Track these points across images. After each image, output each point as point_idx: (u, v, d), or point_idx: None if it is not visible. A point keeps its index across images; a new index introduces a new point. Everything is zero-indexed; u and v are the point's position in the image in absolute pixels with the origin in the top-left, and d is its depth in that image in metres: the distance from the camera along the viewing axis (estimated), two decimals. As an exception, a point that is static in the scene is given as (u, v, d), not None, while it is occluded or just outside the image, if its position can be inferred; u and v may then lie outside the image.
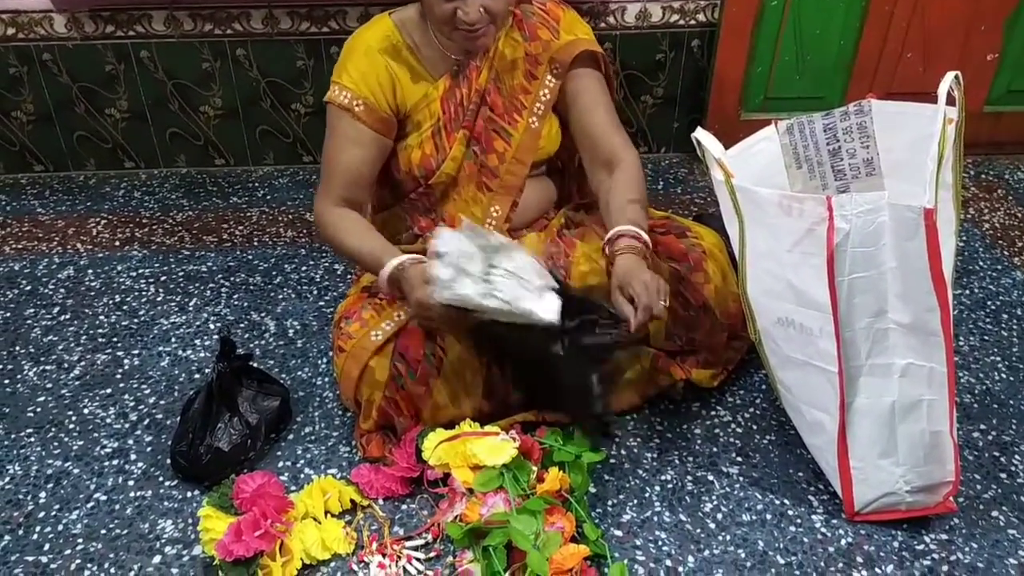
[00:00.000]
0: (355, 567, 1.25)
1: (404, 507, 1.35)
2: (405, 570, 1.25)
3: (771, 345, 1.32)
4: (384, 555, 1.26)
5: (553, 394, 1.37)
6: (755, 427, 1.50)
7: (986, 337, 1.71)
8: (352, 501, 1.35)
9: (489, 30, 1.36)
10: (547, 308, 1.24)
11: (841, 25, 2.17)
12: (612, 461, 1.42)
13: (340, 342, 1.42)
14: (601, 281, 1.38)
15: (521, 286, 1.24)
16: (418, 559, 1.27)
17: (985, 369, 1.63)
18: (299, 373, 1.63)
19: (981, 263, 1.95)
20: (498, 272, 1.25)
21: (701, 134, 1.31)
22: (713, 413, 1.53)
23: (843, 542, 1.28)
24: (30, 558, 1.26)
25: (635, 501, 1.36)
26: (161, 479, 1.40)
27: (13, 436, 1.48)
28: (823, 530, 1.31)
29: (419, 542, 1.30)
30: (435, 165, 1.45)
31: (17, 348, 1.68)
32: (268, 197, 2.22)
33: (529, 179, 1.51)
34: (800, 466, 1.41)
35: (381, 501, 1.36)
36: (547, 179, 1.59)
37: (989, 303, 1.82)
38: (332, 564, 1.26)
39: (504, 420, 1.41)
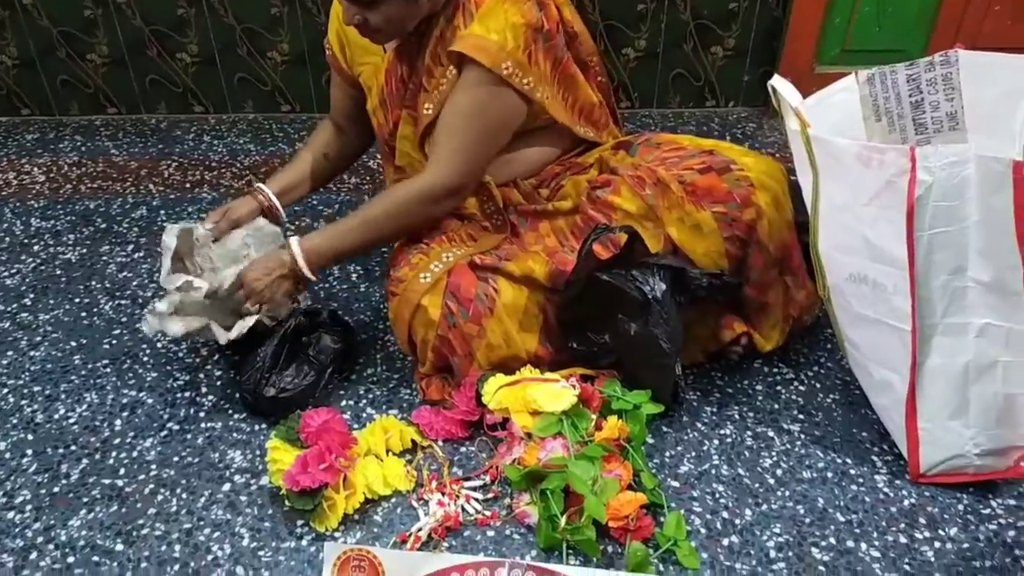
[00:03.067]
0: (415, 504, 1.28)
1: (463, 449, 1.37)
2: (463, 509, 1.27)
3: (841, 302, 1.30)
4: (443, 494, 1.29)
5: (630, 357, 1.37)
6: (818, 385, 1.48)
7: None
8: (413, 441, 1.38)
9: (376, 37, 1.35)
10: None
11: (927, -26, 2.07)
12: (671, 413, 1.41)
13: (391, 288, 1.44)
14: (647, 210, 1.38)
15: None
16: (476, 499, 1.29)
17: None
18: (361, 316, 1.66)
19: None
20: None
21: (778, 82, 1.27)
22: (775, 370, 1.51)
23: (906, 503, 1.27)
24: (106, 481, 1.32)
25: (693, 453, 1.36)
26: (230, 412, 1.44)
27: (90, 366, 1.54)
28: (886, 490, 1.29)
29: (477, 483, 1.32)
30: (386, 136, 1.49)
31: (93, 283, 1.75)
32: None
33: (522, 135, 1.45)
34: (864, 426, 1.39)
35: (441, 442, 1.38)
36: (543, 132, 1.50)
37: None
38: (393, 500, 1.29)
39: (565, 370, 1.42)
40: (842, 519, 1.25)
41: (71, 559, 1.20)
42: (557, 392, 1.34)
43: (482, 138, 1.38)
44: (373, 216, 1.41)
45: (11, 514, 1.27)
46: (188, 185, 2.06)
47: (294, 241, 1.40)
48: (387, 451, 1.36)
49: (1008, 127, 1.29)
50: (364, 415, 1.44)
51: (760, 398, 1.46)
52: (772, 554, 1.20)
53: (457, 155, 1.37)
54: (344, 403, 1.47)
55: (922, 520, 1.24)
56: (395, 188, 1.43)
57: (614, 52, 2.25)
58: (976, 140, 1.32)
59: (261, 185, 1.56)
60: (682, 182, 1.38)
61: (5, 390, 1.49)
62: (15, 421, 1.43)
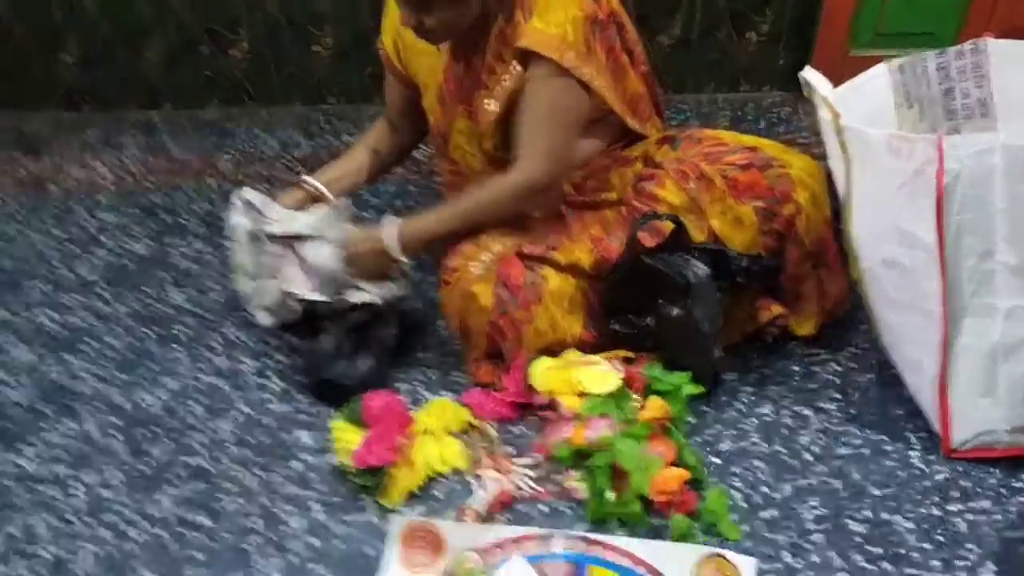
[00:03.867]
0: (471, 480, 1.37)
1: (514, 429, 1.46)
2: (517, 485, 1.36)
3: (874, 285, 1.36)
4: (498, 471, 1.38)
5: (670, 340, 1.44)
6: (854, 366, 1.54)
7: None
8: (467, 422, 1.47)
9: (431, 37, 1.42)
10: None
11: (960, -43, 2.09)
12: (710, 394, 1.48)
13: (444, 276, 1.52)
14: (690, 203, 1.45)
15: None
16: (528, 476, 1.38)
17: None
18: (415, 303, 1.74)
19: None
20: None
21: (809, 73, 1.33)
22: (811, 352, 1.57)
23: (939, 477, 1.33)
24: (190, 461, 1.43)
25: (732, 432, 1.43)
26: (297, 396, 1.55)
27: (166, 353, 1.66)
28: (919, 465, 1.35)
29: (529, 461, 1.41)
30: (443, 131, 1.56)
31: (162, 274, 1.86)
32: (378, 135, 2.32)
33: None
34: (899, 405, 1.45)
35: (493, 423, 1.47)
36: (592, 124, 1.54)
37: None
38: (451, 477, 1.38)
39: (607, 353, 1.49)
40: (877, 493, 1.32)
41: (162, 533, 1.31)
42: (602, 374, 1.42)
43: (562, 131, 1.44)
44: (467, 209, 1.51)
45: (105, 492, 1.39)
46: (243, 178, 2.16)
47: (392, 223, 1.50)
48: (444, 430, 1.45)
49: (1038, 115, 1.33)
50: (420, 397, 1.54)
51: (797, 379, 1.52)
52: (810, 526, 1.27)
53: (542, 151, 1.43)
54: (400, 386, 1.56)
55: (955, 493, 1.30)
56: (488, 184, 1.50)
57: (649, 39, 2.29)
58: (1007, 127, 1.37)
59: (307, 177, 1.65)
60: (725, 177, 1.45)
61: (90, 377, 1.61)
62: (101, 406, 1.54)
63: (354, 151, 1.73)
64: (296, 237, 1.54)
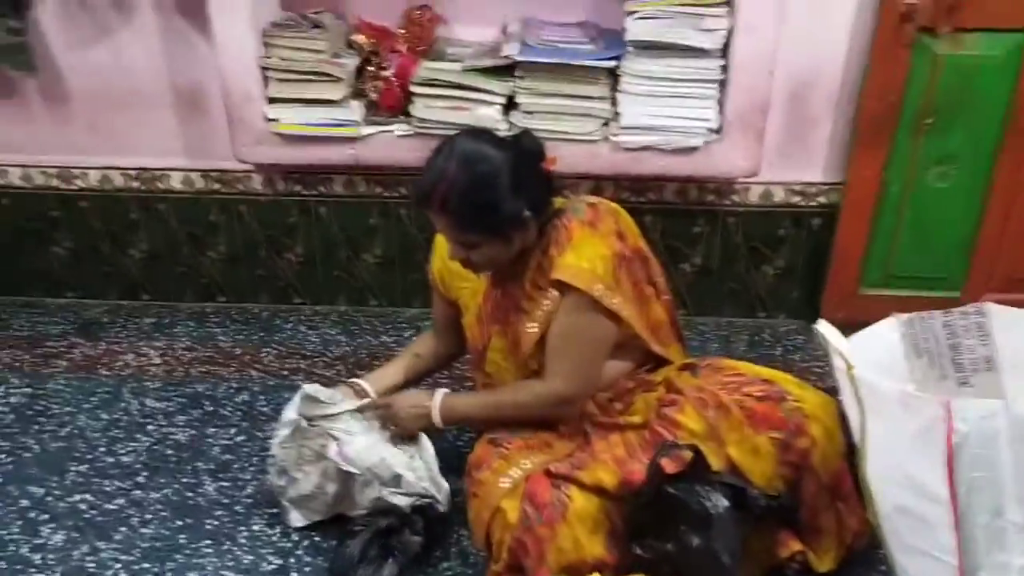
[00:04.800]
0: None
1: (532, 650, 1.46)
2: None
3: (890, 530, 1.39)
4: None
5: (690, 569, 1.47)
6: (873, 606, 1.55)
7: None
8: (485, 639, 1.48)
9: (476, 269, 1.63)
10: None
11: (960, 213, 2.27)
12: (729, 626, 1.48)
13: (473, 489, 1.59)
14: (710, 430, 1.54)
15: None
16: None
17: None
18: (438, 507, 1.78)
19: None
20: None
21: (823, 326, 1.45)
22: (831, 587, 1.58)
23: None
24: (206, 661, 1.44)
25: (752, 669, 1.42)
26: (319, 598, 1.57)
27: (193, 546, 1.69)
28: None
29: None
30: (479, 348, 1.71)
31: (199, 463, 1.93)
32: (414, 337, 2.46)
33: None
34: (918, 651, 1.44)
35: (511, 641, 1.47)
36: (618, 349, 1.66)
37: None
38: None
39: None
40: None
41: None
42: (622, 602, 1.44)
43: (585, 355, 1.60)
44: (503, 403, 1.67)
45: None
46: (285, 372, 2.28)
47: (439, 393, 1.67)
48: (462, 648, 1.46)
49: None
50: (439, 609, 1.55)
51: (816, 616, 1.52)
52: None
53: (567, 370, 1.59)
54: (421, 595, 1.58)
55: None
56: (523, 386, 1.66)
57: (672, 266, 2.47)
58: (1014, 381, 1.46)
59: (359, 380, 1.79)
60: (742, 407, 1.54)
61: (118, 565, 1.64)
62: (126, 597, 1.57)
63: (400, 356, 1.90)
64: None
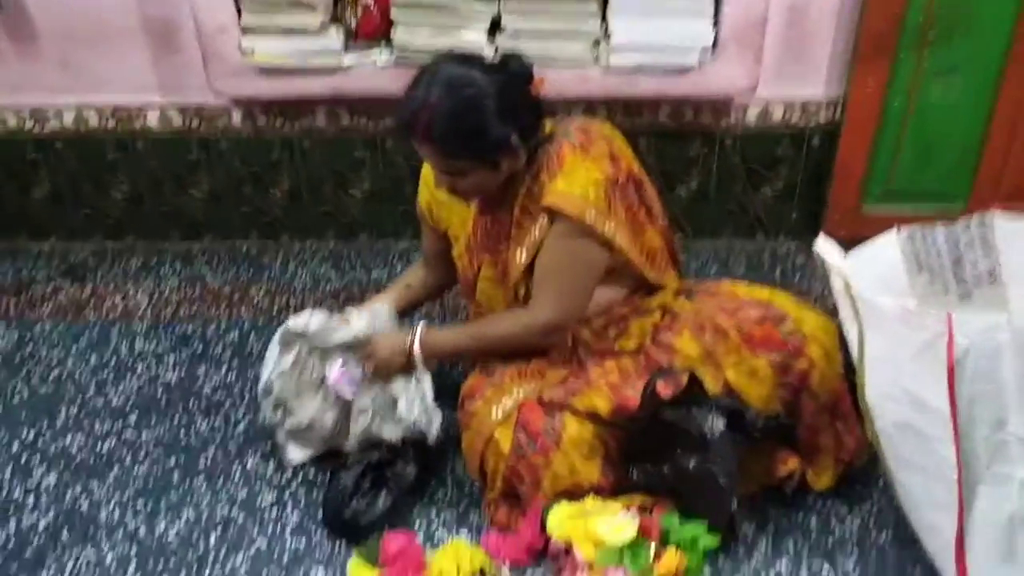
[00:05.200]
0: (484, 627, 1.36)
1: (529, 574, 1.46)
2: (530, 635, 1.35)
3: (889, 447, 1.37)
4: (511, 619, 1.37)
5: (688, 491, 1.46)
6: (872, 522, 1.54)
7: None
8: (481, 566, 1.47)
9: (464, 198, 1.56)
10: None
11: (966, 125, 2.20)
12: (727, 546, 1.48)
13: (465, 419, 1.58)
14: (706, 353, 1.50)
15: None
16: (542, 625, 1.37)
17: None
18: (429, 440, 1.76)
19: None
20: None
21: (821, 246, 1.40)
22: (830, 505, 1.57)
23: (960, 646, 1.30)
24: (202, 595, 1.44)
25: (749, 587, 1.42)
26: (314, 530, 1.56)
27: (188, 483, 1.68)
28: (939, 631, 1.33)
29: (543, 609, 1.40)
30: (470, 278, 1.66)
31: (190, 403, 1.91)
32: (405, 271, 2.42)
33: None
34: (918, 564, 1.44)
35: (508, 566, 1.47)
36: (612, 275, 1.62)
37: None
38: (464, 623, 1.38)
39: (625, 498, 1.50)
40: (896, 659, 1.29)
41: (171, 671, 1.31)
42: (618, 524, 1.43)
43: (574, 282, 1.54)
44: (486, 334, 1.61)
45: (118, 625, 1.39)
46: (275, 310, 2.24)
47: (419, 327, 1.60)
48: (458, 573, 1.45)
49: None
50: (436, 536, 1.55)
51: (815, 533, 1.52)
52: None
53: (554, 297, 1.53)
54: (417, 523, 1.57)
55: (976, 664, 1.27)
56: (508, 315, 1.61)
57: (668, 190, 2.41)
58: (1019, 293, 1.41)
59: (349, 314, 1.74)
60: (740, 330, 1.50)
61: (112, 504, 1.63)
62: (120, 534, 1.56)
63: (389, 288, 1.85)
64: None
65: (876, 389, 1.35)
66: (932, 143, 2.23)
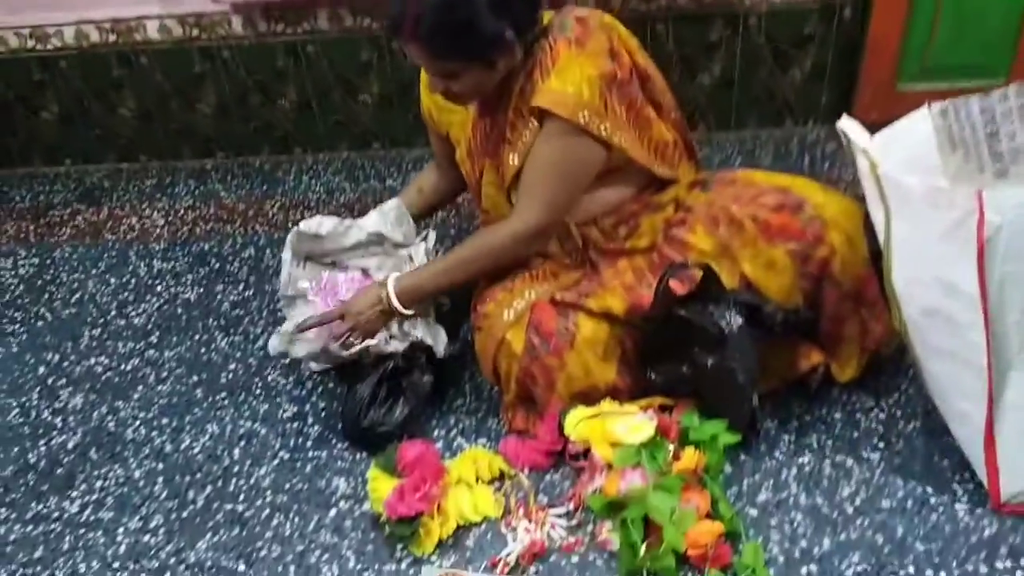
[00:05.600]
0: (504, 530, 1.37)
1: (548, 478, 1.46)
2: (549, 535, 1.36)
3: (917, 334, 1.32)
4: (530, 520, 1.38)
5: (706, 389, 1.43)
6: (899, 413, 1.50)
7: None
8: (500, 470, 1.47)
9: (459, 100, 1.47)
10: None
11: (1009, -12, 2.04)
12: (748, 442, 1.46)
13: (478, 323, 1.54)
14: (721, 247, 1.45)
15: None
16: (561, 526, 1.37)
17: None
18: (451, 349, 1.75)
19: None
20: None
21: (845, 124, 1.31)
22: (855, 398, 1.53)
23: (986, 533, 1.28)
24: (228, 506, 1.47)
25: (771, 482, 1.40)
26: (334, 441, 1.57)
27: (210, 399, 1.70)
28: (966, 519, 1.30)
29: (561, 510, 1.40)
30: (473, 184, 1.60)
31: (210, 320, 1.91)
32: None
33: (601, 177, 1.51)
34: (945, 455, 1.40)
35: (526, 471, 1.47)
36: (620, 173, 1.54)
37: None
38: (483, 526, 1.38)
39: (643, 400, 1.48)
40: (921, 548, 1.27)
41: (200, 578, 1.34)
42: (636, 424, 1.41)
43: (563, 184, 1.46)
44: (464, 257, 1.53)
45: (147, 537, 1.42)
46: (290, 224, 2.20)
47: (391, 280, 1.53)
48: (476, 479, 1.45)
49: (1087, 156, 1.28)
50: (455, 444, 1.55)
51: (839, 426, 1.49)
52: (849, 584, 1.23)
53: (540, 201, 1.46)
54: (436, 432, 1.57)
55: (1003, 550, 1.25)
56: (485, 232, 1.54)
57: (689, 79, 2.29)
58: (1056, 168, 1.32)
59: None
60: (756, 220, 1.43)
61: (137, 422, 1.66)
62: (147, 451, 1.59)
63: (402, 193, 1.81)
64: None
65: (903, 274, 1.28)
66: (971, 11, 2.07)
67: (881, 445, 1.44)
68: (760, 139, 2.35)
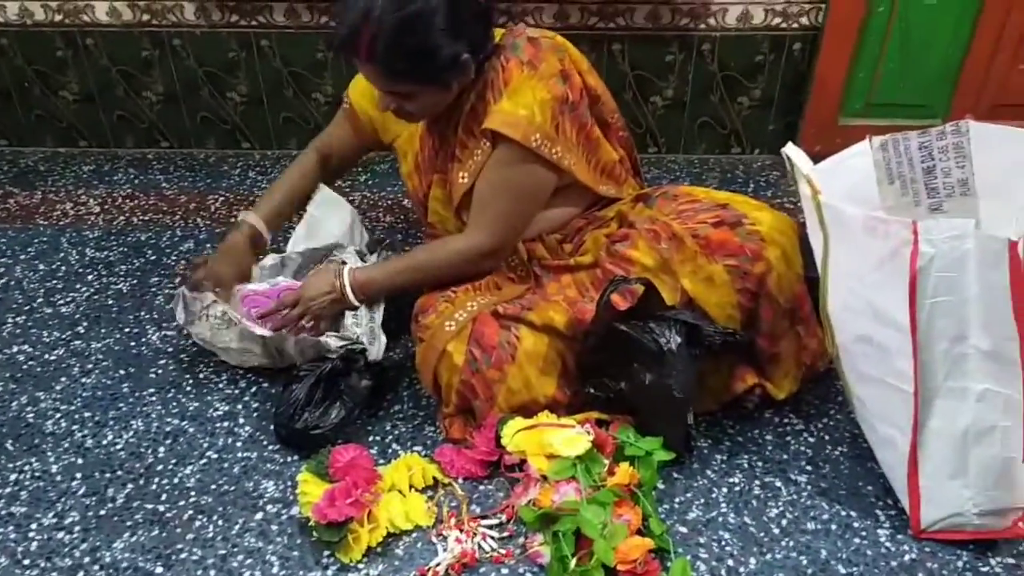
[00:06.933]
0: (434, 539, 1.35)
1: (482, 488, 1.44)
2: (480, 546, 1.34)
3: (848, 360, 1.35)
4: (461, 530, 1.36)
5: (644, 405, 1.43)
6: (827, 437, 1.53)
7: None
8: (434, 478, 1.45)
9: (411, 119, 1.47)
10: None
11: (950, 34, 2.12)
12: (682, 461, 1.47)
13: (419, 333, 1.53)
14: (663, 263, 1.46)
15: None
16: (492, 537, 1.36)
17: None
18: (391, 354, 1.73)
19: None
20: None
21: (791, 150, 1.34)
22: (786, 420, 1.56)
23: (907, 557, 1.31)
24: (149, 506, 1.41)
25: (701, 500, 1.41)
26: (265, 443, 1.53)
27: (137, 394, 1.64)
28: (887, 544, 1.33)
29: (494, 521, 1.38)
30: (420, 198, 1.60)
31: (142, 313, 1.86)
32: (370, 182, 2.34)
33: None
34: (870, 480, 1.43)
35: (461, 480, 1.45)
36: (566, 191, 1.56)
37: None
38: (413, 535, 1.36)
39: (581, 415, 1.48)
40: (843, 571, 1.29)
41: (114, 580, 1.29)
42: (572, 437, 1.41)
43: (515, 207, 1.48)
44: (420, 264, 1.55)
45: (61, 534, 1.36)
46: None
47: (347, 270, 1.53)
48: (410, 487, 1.43)
49: (1016, 198, 1.33)
50: (390, 450, 1.52)
51: (769, 448, 1.51)
52: (773, 603, 1.25)
53: (492, 223, 1.48)
54: (372, 438, 1.55)
55: (921, 575, 1.28)
56: (442, 243, 1.55)
57: (642, 100, 2.32)
58: (988, 206, 1.37)
59: (248, 218, 1.67)
60: (696, 236, 1.45)
61: (58, 415, 1.59)
62: (66, 445, 1.53)
63: (282, 180, 1.74)
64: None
65: (839, 301, 1.31)
66: (915, 52, 2.15)
67: (809, 468, 1.47)
68: (708, 163, 2.40)
